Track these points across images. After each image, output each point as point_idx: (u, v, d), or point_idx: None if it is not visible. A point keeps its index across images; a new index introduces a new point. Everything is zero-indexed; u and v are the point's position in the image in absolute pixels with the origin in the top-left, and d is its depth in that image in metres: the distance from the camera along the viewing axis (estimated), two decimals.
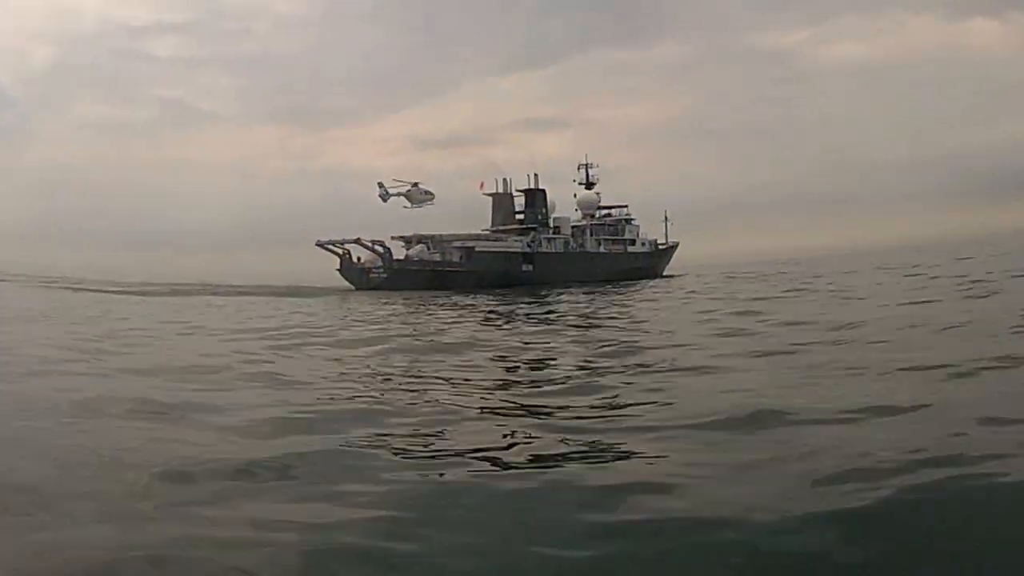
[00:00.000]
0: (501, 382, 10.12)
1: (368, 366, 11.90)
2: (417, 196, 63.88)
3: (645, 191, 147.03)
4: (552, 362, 11.91)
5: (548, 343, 14.87)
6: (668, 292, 36.02)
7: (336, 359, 12.92)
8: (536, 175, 68.22)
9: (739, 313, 18.99)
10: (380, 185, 63.85)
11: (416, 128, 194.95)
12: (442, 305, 32.61)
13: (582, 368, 10.78)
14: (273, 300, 38.79)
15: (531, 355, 13.13)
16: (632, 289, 43.54)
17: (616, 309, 25.53)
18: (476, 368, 11.41)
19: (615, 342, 13.81)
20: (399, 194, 64.01)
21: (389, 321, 22.87)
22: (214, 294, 44.02)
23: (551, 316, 23.45)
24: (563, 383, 9.47)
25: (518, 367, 11.79)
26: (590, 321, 20.56)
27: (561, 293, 40.31)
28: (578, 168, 73.19)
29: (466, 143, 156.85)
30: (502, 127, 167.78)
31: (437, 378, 10.29)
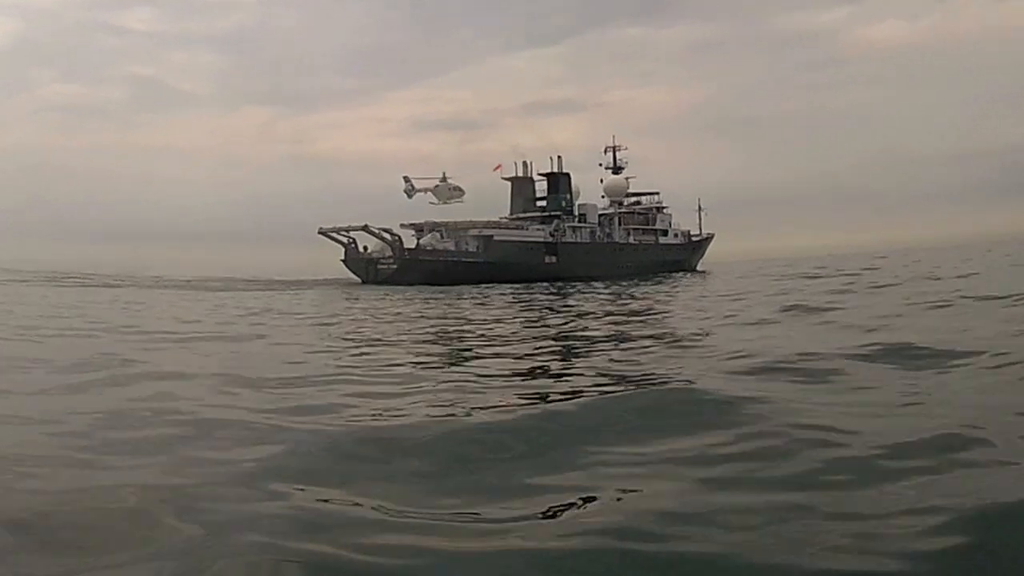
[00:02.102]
0: None
1: None
2: (445, 192, 58.37)
3: (667, 181, 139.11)
4: None
5: None
6: (739, 296, 27.25)
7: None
8: (560, 157, 62.29)
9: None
10: (406, 179, 58.17)
11: (415, 110, 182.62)
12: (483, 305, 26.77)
13: None
14: (255, 293, 33.07)
15: None
16: (683, 284, 37.65)
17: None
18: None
19: None
20: (426, 190, 58.45)
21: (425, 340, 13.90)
22: (165, 287, 38.21)
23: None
24: None
25: None
26: None
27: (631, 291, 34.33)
28: (604, 151, 67.39)
29: (472, 126, 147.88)
30: (510, 109, 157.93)
31: None
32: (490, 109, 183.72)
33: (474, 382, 7.23)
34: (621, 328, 13.21)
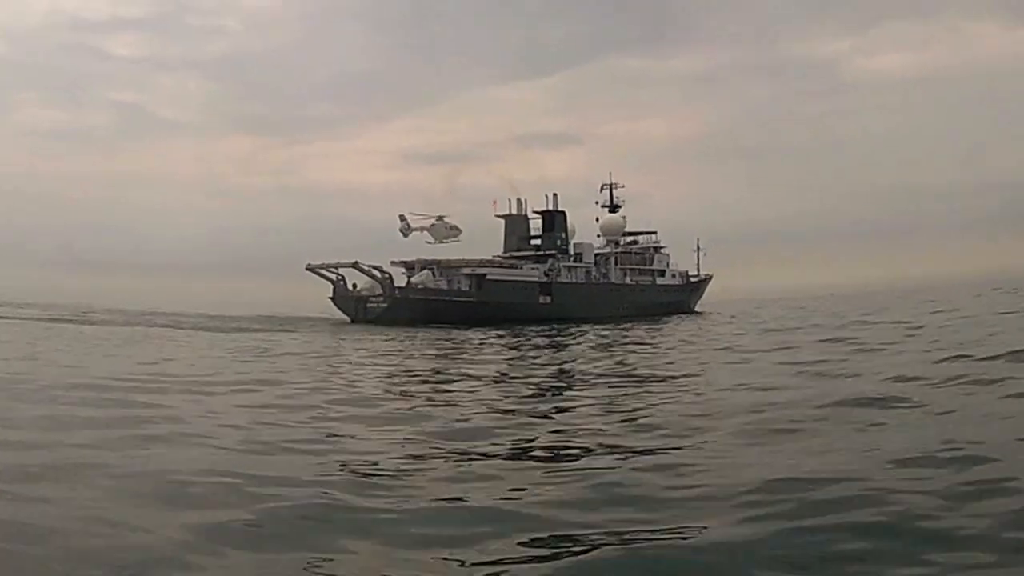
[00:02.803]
0: None
1: None
2: (442, 231, 56.98)
3: (667, 217, 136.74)
4: None
5: None
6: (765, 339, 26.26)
7: None
8: (556, 195, 60.84)
9: None
10: (401, 218, 56.92)
11: (406, 141, 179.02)
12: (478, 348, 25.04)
13: None
14: (235, 335, 31.38)
15: None
16: (693, 328, 36.02)
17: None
18: None
19: None
20: (422, 228, 57.07)
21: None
22: (151, 325, 36.73)
23: None
24: None
25: None
26: None
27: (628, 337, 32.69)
28: (600, 188, 65.95)
29: (463, 159, 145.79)
30: (503, 141, 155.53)
31: None
32: (482, 141, 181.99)
33: None
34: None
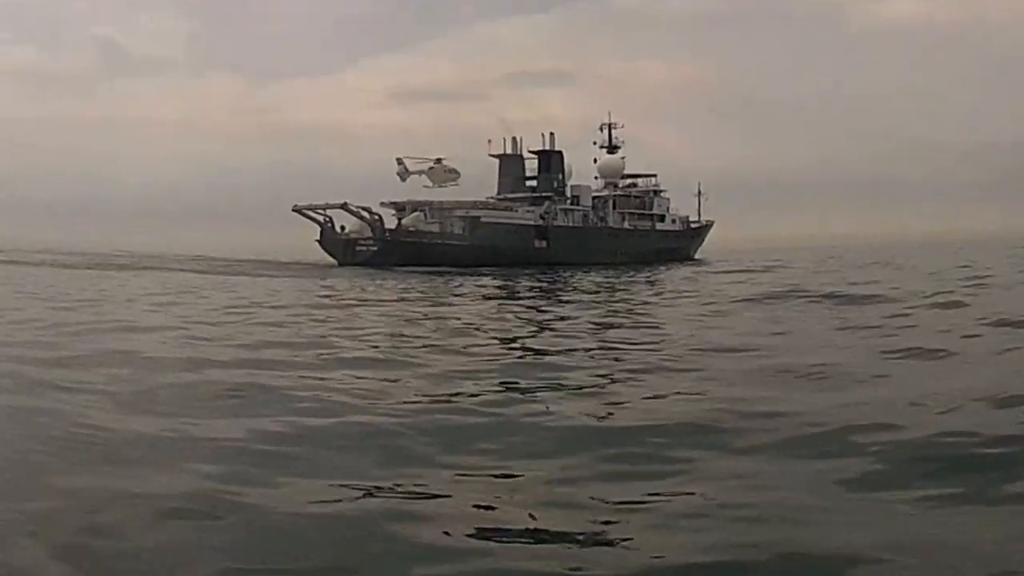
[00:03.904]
0: None
1: None
2: (441, 175, 55.00)
3: (664, 162, 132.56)
4: None
5: None
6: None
7: None
8: (552, 134, 58.29)
9: None
10: (399, 161, 54.86)
11: (393, 80, 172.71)
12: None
13: None
14: (211, 278, 29.52)
15: None
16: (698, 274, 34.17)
17: None
18: None
19: None
20: (420, 172, 55.05)
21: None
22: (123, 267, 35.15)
23: None
24: None
25: None
26: None
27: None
28: (600, 128, 63.26)
29: (453, 97, 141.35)
30: (495, 80, 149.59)
31: None
32: (472, 80, 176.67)
33: None
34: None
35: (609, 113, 64.07)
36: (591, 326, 14.12)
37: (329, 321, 14.74)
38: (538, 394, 7.33)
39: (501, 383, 7.91)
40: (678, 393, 7.24)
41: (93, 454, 5.20)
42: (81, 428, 5.79)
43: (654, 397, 7.15)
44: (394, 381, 8.02)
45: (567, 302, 20.09)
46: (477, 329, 13.65)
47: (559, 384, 7.85)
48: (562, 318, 15.70)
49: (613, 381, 8.13)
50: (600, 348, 10.79)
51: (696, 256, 65.14)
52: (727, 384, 7.58)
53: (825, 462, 4.91)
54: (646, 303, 19.64)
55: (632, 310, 17.65)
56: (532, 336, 12.86)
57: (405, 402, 6.95)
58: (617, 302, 20.16)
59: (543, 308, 18.35)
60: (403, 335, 12.60)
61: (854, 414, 6.02)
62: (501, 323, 15.28)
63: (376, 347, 10.84)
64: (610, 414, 6.51)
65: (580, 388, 7.63)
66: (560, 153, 58.08)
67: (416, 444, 5.55)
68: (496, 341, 12.08)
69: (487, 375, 8.37)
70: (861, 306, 15.46)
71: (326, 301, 20.12)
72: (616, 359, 9.66)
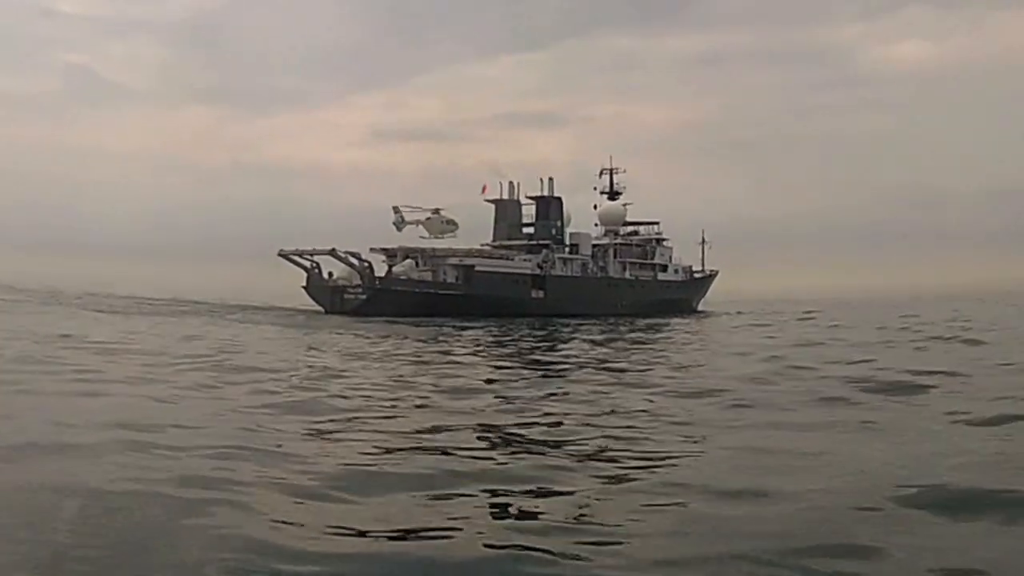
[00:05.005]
0: None
1: None
2: (438, 226, 52.67)
3: (661, 208, 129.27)
4: None
5: None
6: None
7: None
8: (551, 179, 56.33)
9: None
10: (395, 210, 52.50)
11: (378, 117, 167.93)
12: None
13: None
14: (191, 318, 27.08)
15: None
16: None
17: None
18: None
19: None
20: (417, 222, 52.73)
21: None
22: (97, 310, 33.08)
23: None
24: None
25: None
26: None
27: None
28: (600, 174, 61.37)
29: (439, 137, 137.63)
30: (484, 120, 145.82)
31: None
32: (461, 119, 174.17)
33: None
34: None
35: (610, 158, 62.32)
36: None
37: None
38: None
39: None
40: None
41: None
42: None
43: None
44: None
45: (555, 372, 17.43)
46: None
47: None
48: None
49: None
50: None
51: (699, 307, 62.91)
52: None
53: None
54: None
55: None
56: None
57: None
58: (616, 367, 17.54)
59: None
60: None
61: None
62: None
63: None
64: None
65: None
66: (559, 199, 56.10)
67: None
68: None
69: None
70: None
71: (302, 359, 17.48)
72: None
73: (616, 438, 8.63)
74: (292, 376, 14.07)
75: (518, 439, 8.74)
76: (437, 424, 9.39)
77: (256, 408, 10.19)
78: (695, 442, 8.51)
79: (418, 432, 8.80)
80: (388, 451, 7.84)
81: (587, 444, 8.35)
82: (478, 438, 8.75)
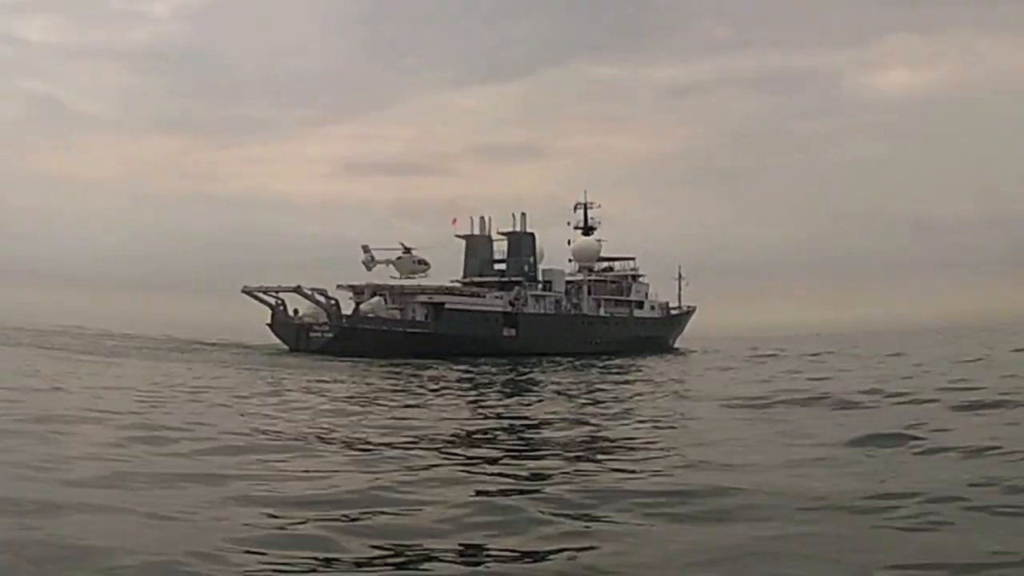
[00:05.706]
0: None
1: None
2: (409, 266, 51.68)
3: (640, 241, 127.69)
4: None
5: None
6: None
7: None
8: (524, 215, 55.45)
9: None
10: (365, 249, 51.50)
11: (349, 148, 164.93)
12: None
13: None
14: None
15: None
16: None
17: None
18: None
19: None
20: (387, 262, 51.75)
21: None
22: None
23: None
24: None
25: None
26: None
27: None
28: (574, 208, 60.45)
29: (413, 170, 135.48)
30: (459, 152, 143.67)
31: None
32: (435, 152, 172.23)
33: None
34: None
35: (585, 192, 61.41)
36: None
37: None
38: None
39: None
40: None
41: None
42: None
43: None
44: None
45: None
46: None
47: None
48: None
49: None
50: None
51: (675, 345, 61.87)
52: None
53: None
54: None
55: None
56: None
57: None
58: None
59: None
60: None
61: None
62: None
63: None
64: None
65: None
66: (531, 235, 55.23)
67: None
68: None
69: None
70: None
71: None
72: None
73: None
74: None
75: None
76: None
77: None
78: None
79: None
80: None
81: None
82: None
